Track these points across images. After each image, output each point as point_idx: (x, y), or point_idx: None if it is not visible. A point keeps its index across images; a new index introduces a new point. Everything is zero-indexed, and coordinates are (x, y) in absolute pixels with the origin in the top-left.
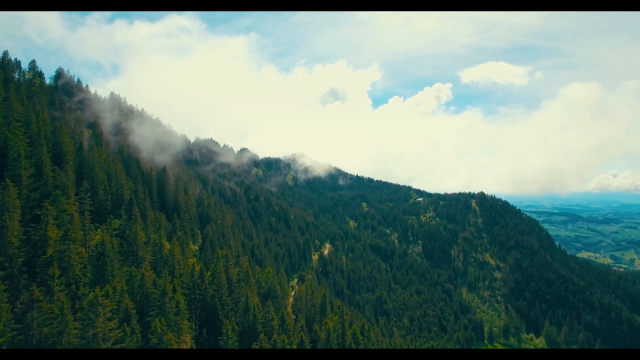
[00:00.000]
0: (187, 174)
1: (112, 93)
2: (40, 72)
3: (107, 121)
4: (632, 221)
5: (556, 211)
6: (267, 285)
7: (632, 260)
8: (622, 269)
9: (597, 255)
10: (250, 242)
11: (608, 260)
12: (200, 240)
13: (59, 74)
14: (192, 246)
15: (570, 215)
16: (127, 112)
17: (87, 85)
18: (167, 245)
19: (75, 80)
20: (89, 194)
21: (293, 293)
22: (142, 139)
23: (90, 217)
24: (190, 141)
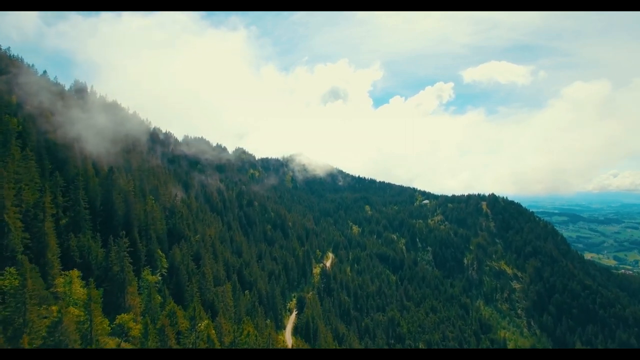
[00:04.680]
0: (164, 176)
1: (76, 80)
2: None
3: (45, 106)
4: (633, 221)
5: (557, 211)
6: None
7: (636, 262)
8: (630, 272)
9: (600, 256)
10: (238, 259)
11: (612, 262)
12: (167, 265)
13: None
14: (152, 277)
15: (571, 215)
16: (71, 94)
17: (45, 71)
18: (83, 296)
19: (18, 58)
20: None
21: (291, 318)
22: (94, 130)
23: None
24: (176, 138)
